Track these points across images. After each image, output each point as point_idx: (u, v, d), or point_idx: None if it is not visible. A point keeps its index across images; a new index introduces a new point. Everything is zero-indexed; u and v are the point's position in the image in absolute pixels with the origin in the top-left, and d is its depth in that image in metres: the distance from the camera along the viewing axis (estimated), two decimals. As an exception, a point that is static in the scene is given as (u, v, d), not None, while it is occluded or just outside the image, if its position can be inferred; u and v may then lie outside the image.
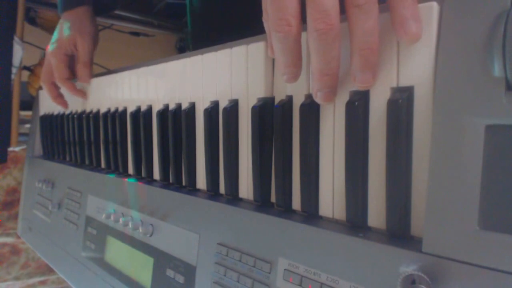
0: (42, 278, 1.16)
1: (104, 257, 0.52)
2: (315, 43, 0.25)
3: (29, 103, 0.91)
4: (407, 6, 0.24)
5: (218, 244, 0.36)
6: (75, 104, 0.68)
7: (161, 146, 0.46)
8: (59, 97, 0.71)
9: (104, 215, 0.51)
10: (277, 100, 0.33)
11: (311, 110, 0.30)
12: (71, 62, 0.68)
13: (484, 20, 0.21)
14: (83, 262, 0.56)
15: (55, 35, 0.68)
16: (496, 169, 0.20)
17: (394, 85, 0.26)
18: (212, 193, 0.40)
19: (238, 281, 0.33)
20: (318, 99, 0.28)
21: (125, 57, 1.77)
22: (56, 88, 0.70)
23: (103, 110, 0.59)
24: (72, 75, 0.68)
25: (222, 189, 0.39)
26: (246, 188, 0.37)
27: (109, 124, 0.56)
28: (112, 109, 0.56)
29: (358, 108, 0.27)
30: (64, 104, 0.71)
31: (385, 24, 0.26)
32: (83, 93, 0.67)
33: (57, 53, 0.66)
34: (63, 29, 0.67)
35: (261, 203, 0.35)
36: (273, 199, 0.34)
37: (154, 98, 0.48)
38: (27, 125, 1.08)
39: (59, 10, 0.71)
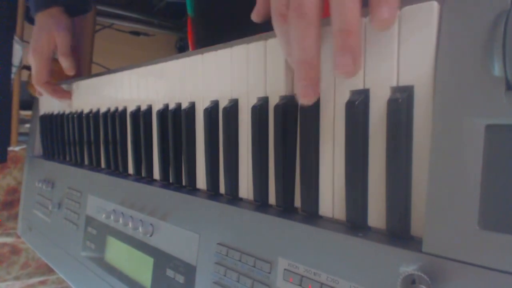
0: (42, 278, 1.16)
1: (104, 257, 0.52)
2: (290, 30, 0.26)
3: (29, 103, 0.91)
4: (343, 32, 0.24)
5: (218, 244, 0.36)
6: (75, 104, 0.68)
7: (161, 146, 0.46)
8: (57, 92, 0.70)
9: (104, 215, 0.51)
10: (271, 100, 0.33)
11: (311, 109, 0.30)
12: (53, 65, 0.70)
13: (484, 20, 0.21)
14: (83, 262, 0.56)
15: (33, 39, 0.69)
16: (496, 169, 0.20)
17: (394, 85, 0.26)
18: (212, 193, 0.40)
19: (238, 281, 0.33)
20: (298, 95, 0.27)
21: (125, 57, 1.77)
22: (50, 85, 0.70)
23: (103, 110, 0.59)
24: (49, 75, 0.69)
25: (222, 189, 0.39)
26: (246, 188, 0.37)
27: (109, 124, 0.56)
28: (112, 109, 0.56)
29: (358, 108, 0.27)
30: (67, 95, 0.69)
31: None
32: (65, 95, 0.68)
33: (36, 57, 0.68)
34: (41, 31, 0.68)
35: (261, 203, 0.35)
36: (273, 199, 0.34)
37: (154, 98, 0.48)
38: (27, 125, 1.08)
39: (32, 12, 0.72)
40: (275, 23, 0.29)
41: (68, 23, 0.69)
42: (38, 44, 0.68)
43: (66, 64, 0.68)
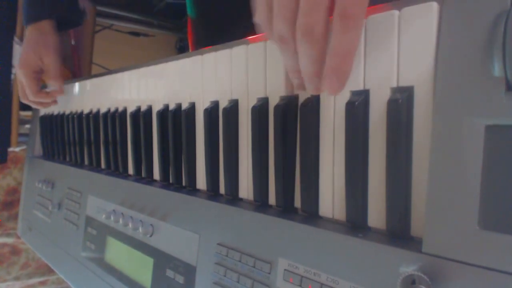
0: (42, 279, 1.16)
1: (104, 257, 0.52)
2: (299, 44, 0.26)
3: (29, 103, 0.91)
4: (339, 57, 0.24)
5: (218, 244, 0.36)
6: (75, 105, 0.69)
7: (161, 146, 0.46)
8: (52, 93, 0.72)
9: (104, 215, 0.51)
10: (271, 100, 0.33)
11: (311, 110, 0.30)
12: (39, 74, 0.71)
13: (484, 20, 0.21)
14: (83, 262, 0.56)
15: (23, 53, 0.70)
16: (496, 169, 0.20)
17: (394, 85, 0.26)
18: (212, 193, 0.40)
19: (238, 282, 0.33)
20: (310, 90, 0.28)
21: (125, 57, 1.77)
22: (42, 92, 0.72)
23: (103, 110, 0.59)
24: (40, 85, 0.71)
25: (222, 189, 0.39)
26: (246, 188, 0.37)
27: (109, 124, 0.56)
28: (112, 109, 0.56)
29: (358, 108, 0.27)
30: (60, 91, 0.71)
31: (385, 23, 0.26)
32: (58, 94, 0.70)
33: (26, 72, 0.68)
34: (29, 46, 0.69)
35: (261, 203, 0.35)
36: (273, 199, 0.34)
37: (154, 98, 0.48)
38: (27, 125, 1.08)
39: (24, 22, 0.72)
40: (279, 44, 0.28)
41: (57, 41, 0.70)
42: (26, 61, 0.68)
43: (54, 87, 0.68)
